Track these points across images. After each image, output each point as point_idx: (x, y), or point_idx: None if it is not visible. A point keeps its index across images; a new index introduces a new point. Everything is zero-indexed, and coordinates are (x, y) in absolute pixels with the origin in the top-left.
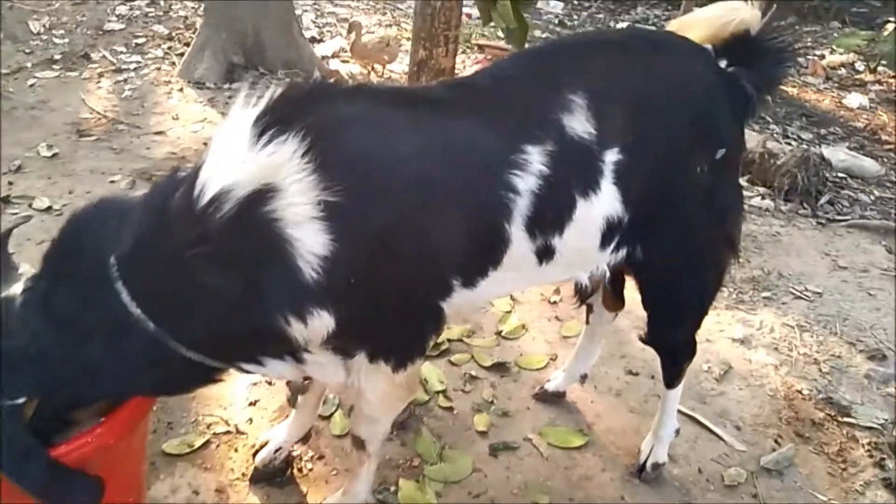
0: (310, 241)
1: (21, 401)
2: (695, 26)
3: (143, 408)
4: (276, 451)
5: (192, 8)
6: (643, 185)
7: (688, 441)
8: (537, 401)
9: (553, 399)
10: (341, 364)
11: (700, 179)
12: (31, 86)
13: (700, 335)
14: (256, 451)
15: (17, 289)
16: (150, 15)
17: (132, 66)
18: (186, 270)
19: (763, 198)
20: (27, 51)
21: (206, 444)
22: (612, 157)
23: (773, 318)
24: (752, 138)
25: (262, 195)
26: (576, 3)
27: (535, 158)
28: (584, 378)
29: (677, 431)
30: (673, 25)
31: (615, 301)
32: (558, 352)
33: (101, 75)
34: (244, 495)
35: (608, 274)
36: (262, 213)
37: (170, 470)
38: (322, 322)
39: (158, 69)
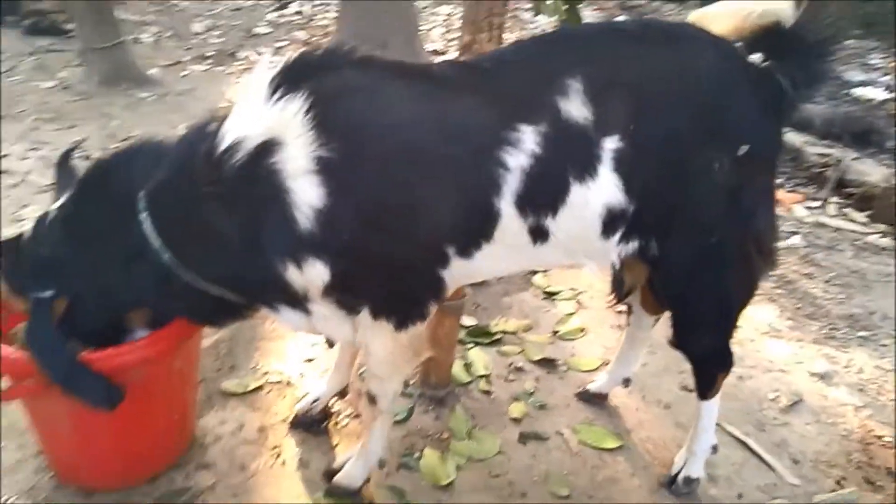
0: (305, 192)
1: (47, 294)
2: (717, 18)
3: (185, 333)
4: (314, 402)
5: (333, 18)
6: (650, 177)
7: (734, 464)
8: (579, 400)
9: (595, 400)
10: (346, 320)
11: (719, 176)
12: (184, 77)
13: (773, 362)
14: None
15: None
16: (295, 22)
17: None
18: (200, 208)
19: (883, 236)
20: (187, 47)
21: (259, 388)
22: (611, 144)
23: (865, 358)
24: (878, 172)
25: (269, 147)
26: None
27: (528, 138)
28: (627, 382)
29: (715, 448)
30: (693, 17)
31: (655, 304)
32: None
33: (243, 71)
34: (282, 436)
35: (618, 264)
36: (268, 163)
37: (223, 405)
38: (317, 272)
39: None
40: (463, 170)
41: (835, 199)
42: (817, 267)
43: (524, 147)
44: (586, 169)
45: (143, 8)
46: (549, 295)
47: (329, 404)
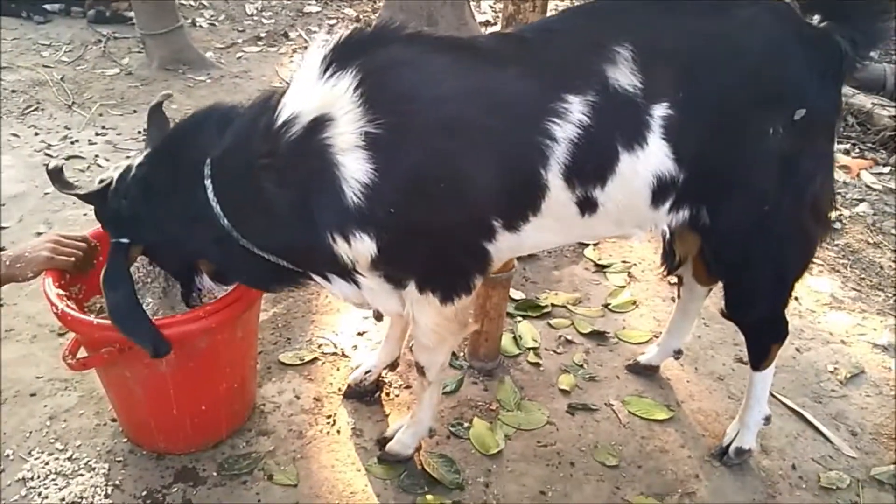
0: (353, 167)
1: (124, 241)
2: None
3: (245, 304)
4: (366, 373)
5: None
6: (702, 143)
7: (788, 436)
8: (629, 372)
9: (645, 372)
10: (394, 293)
11: (774, 142)
12: (239, 58)
13: (833, 334)
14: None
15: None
16: None
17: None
18: (257, 180)
19: None
20: (240, 29)
21: (315, 360)
22: (660, 111)
23: None
24: None
25: (321, 123)
26: None
27: (576, 108)
28: (678, 353)
29: (767, 419)
30: None
31: (707, 275)
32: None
33: (294, 51)
34: (336, 406)
35: (668, 234)
36: (319, 138)
37: (280, 376)
38: (364, 245)
39: None
40: (509, 143)
41: None
42: (885, 235)
43: (571, 118)
44: (635, 138)
45: None
46: (601, 268)
47: (381, 375)
